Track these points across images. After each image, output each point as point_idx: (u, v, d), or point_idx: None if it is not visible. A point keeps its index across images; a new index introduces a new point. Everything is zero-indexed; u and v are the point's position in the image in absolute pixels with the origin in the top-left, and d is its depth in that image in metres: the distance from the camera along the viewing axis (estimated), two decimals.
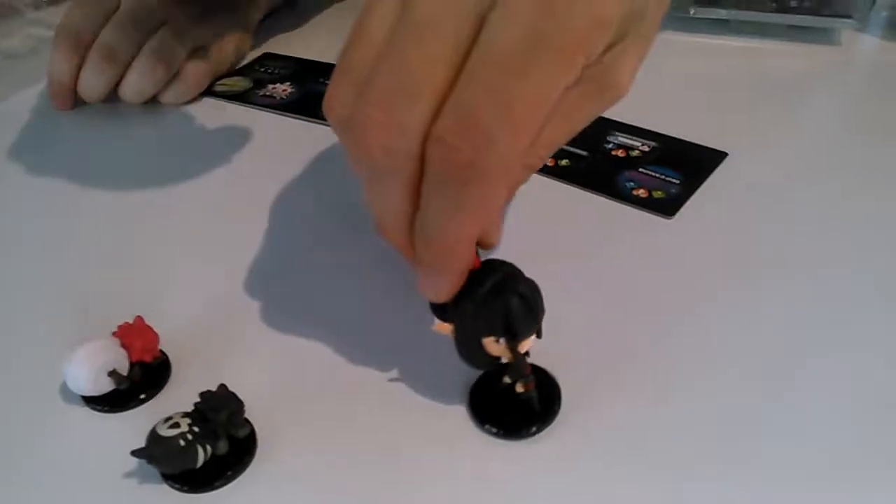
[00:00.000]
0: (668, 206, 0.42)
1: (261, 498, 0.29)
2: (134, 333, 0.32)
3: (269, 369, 0.34)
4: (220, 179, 0.46)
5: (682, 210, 0.42)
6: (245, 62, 0.60)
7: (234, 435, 0.30)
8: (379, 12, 0.25)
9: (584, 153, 0.47)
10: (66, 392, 0.32)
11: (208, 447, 0.28)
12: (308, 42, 0.63)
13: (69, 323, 0.36)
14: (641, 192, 0.43)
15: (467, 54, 0.23)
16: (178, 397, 0.32)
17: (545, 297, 0.29)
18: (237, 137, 0.50)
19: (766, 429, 0.30)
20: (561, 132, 0.29)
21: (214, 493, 0.29)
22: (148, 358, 0.32)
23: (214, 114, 0.53)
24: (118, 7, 0.52)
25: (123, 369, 0.32)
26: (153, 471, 0.29)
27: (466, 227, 0.25)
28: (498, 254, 0.32)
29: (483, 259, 0.29)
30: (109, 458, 0.30)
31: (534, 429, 0.30)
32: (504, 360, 0.29)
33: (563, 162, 0.46)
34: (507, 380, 0.30)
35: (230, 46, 0.57)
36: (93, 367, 0.31)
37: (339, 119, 0.26)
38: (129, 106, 0.53)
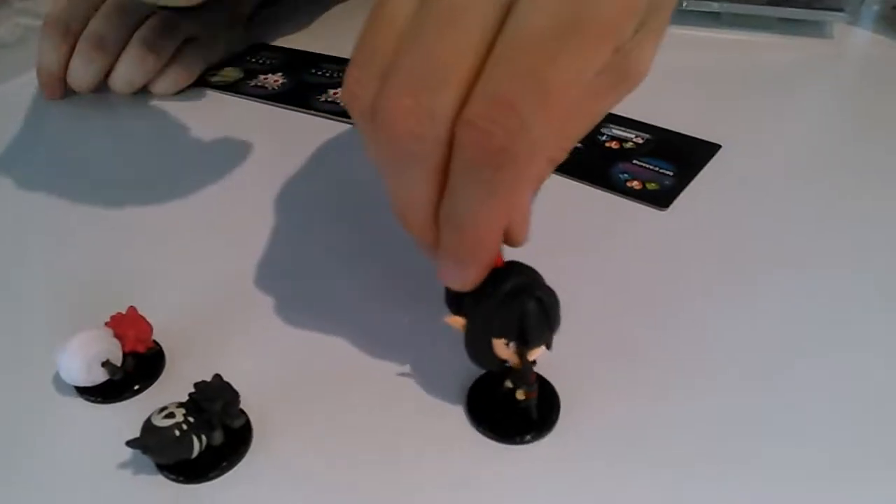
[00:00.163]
0: (662, 198, 0.42)
1: (256, 488, 0.29)
2: (127, 323, 0.32)
3: (263, 360, 0.34)
4: (211, 170, 0.46)
5: (676, 202, 0.42)
6: (236, 52, 0.59)
7: (229, 425, 0.29)
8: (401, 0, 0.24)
9: (578, 145, 0.47)
10: (59, 383, 0.32)
11: (203, 437, 0.28)
12: (300, 33, 0.62)
13: (62, 313, 0.36)
14: (635, 184, 0.43)
15: (494, 40, 0.23)
16: (172, 388, 0.32)
17: None
18: (228, 128, 0.50)
19: (765, 428, 0.30)
20: (582, 123, 0.29)
21: (209, 483, 0.29)
22: (141, 348, 0.32)
23: (205, 104, 0.53)
24: None
25: (117, 360, 0.31)
26: (148, 461, 0.29)
27: (497, 214, 0.25)
28: None
29: (507, 260, 0.28)
30: (103, 448, 0.30)
31: (529, 437, 0.30)
32: (510, 365, 0.29)
33: None
34: (508, 384, 0.30)
35: (221, 37, 0.57)
36: (86, 358, 0.30)
37: (361, 106, 0.25)
38: (120, 96, 0.53)
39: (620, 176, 0.44)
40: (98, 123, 0.51)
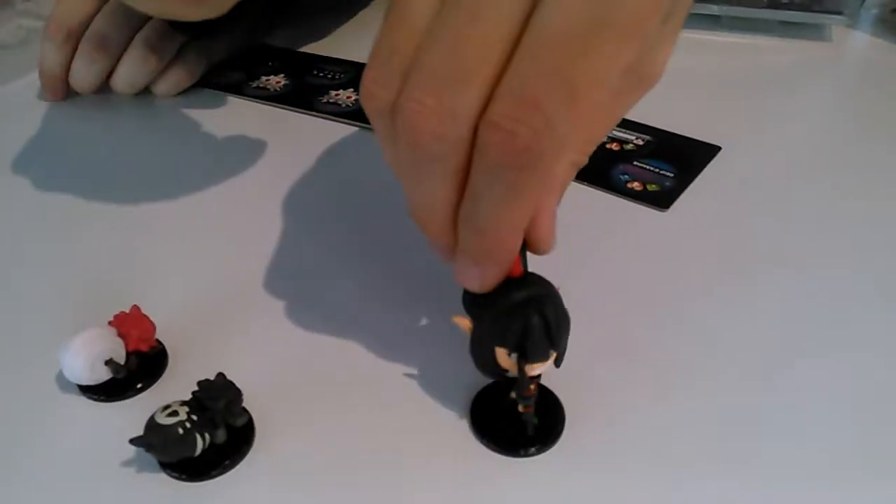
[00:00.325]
0: (662, 199, 0.43)
1: (258, 487, 0.29)
2: (130, 322, 0.32)
3: (266, 359, 0.34)
4: (213, 170, 0.46)
5: (677, 203, 0.42)
6: (238, 53, 0.59)
7: (232, 424, 0.30)
8: None
9: None
10: (62, 381, 0.32)
11: (207, 436, 0.28)
12: (302, 34, 0.62)
13: (65, 312, 0.36)
14: (636, 185, 0.44)
15: (518, 38, 0.22)
16: (175, 387, 0.32)
17: None
18: (230, 129, 0.50)
19: (767, 429, 0.30)
20: (604, 126, 0.28)
21: (212, 481, 0.29)
22: (144, 347, 0.32)
23: (207, 105, 0.53)
24: None
25: (120, 358, 0.31)
26: (151, 459, 0.29)
27: (519, 216, 0.25)
28: None
29: (529, 271, 0.28)
30: (106, 447, 0.30)
31: (533, 449, 0.30)
32: (511, 375, 0.29)
33: None
34: (513, 395, 0.30)
35: (223, 38, 0.57)
36: (89, 356, 0.30)
37: (380, 105, 0.24)
38: (122, 97, 0.53)
39: (621, 177, 0.44)
40: (100, 124, 0.51)
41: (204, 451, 0.28)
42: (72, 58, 0.51)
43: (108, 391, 0.32)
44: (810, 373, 0.33)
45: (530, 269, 0.28)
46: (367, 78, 0.25)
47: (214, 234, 0.41)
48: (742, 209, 0.42)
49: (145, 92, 0.53)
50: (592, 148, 0.29)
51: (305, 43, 0.60)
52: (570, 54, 0.22)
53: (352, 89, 0.53)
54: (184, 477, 0.29)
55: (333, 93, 0.53)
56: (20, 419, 0.31)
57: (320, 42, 0.60)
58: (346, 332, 0.35)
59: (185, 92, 0.54)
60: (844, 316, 0.35)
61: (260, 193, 0.44)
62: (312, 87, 0.54)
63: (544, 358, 0.28)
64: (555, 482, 0.29)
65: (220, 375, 0.30)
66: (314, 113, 0.51)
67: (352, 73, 0.55)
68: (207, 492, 0.29)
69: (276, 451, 0.30)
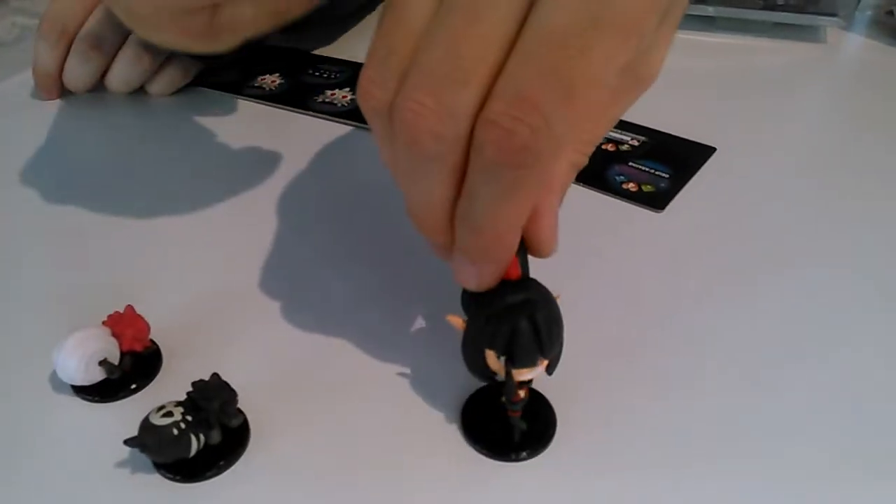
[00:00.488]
0: (658, 200, 0.43)
1: (253, 488, 0.29)
2: (125, 322, 0.32)
3: (261, 361, 0.34)
4: (208, 170, 0.46)
5: (672, 203, 0.42)
6: (233, 52, 0.59)
7: (227, 424, 0.29)
8: None
9: None
10: (56, 381, 0.32)
11: (201, 436, 0.28)
12: (303, 37, 0.62)
13: (59, 312, 0.36)
14: (631, 186, 0.44)
15: (516, 37, 0.22)
16: (169, 388, 0.32)
17: None
18: (225, 128, 0.50)
19: (762, 429, 0.31)
20: (602, 126, 0.28)
21: (207, 482, 0.29)
22: (139, 347, 0.32)
23: (202, 104, 0.53)
24: None
25: (114, 359, 0.31)
26: (145, 460, 0.29)
27: (516, 215, 0.25)
28: None
29: (527, 275, 0.28)
30: (100, 447, 0.30)
31: (524, 454, 0.30)
32: (499, 379, 0.29)
33: None
34: (503, 399, 0.30)
35: None
36: (83, 357, 0.30)
37: (377, 106, 0.24)
38: (116, 96, 0.53)
39: (616, 178, 0.44)
40: (95, 123, 0.51)
41: (198, 451, 0.28)
42: (66, 56, 0.51)
43: (102, 392, 0.32)
44: (807, 373, 0.33)
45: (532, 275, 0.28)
46: (364, 78, 0.25)
47: (209, 234, 0.41)
48: (737, 210, 0.42)
49: (140, 91, 0.53)
50: (591, 148, 0.29)
51: (301, 42, 0.60)
52: (568, 53, 0.22)
53: (348, 89, 0.53)
54: (178, 478, 0.29)
55: (329, 92, 0.53)
56: (13, 420, 0.31)
57: (316, 41, 0.60)
58: (340, 333, 0.35)
59: (179, 91, 0.54)
60: (841, 315, 0.35)
61: (255, 193, 0.44)
62: (308, 86, 0.54)
63: (532, 364, 0.27)
64: (545, 486, 0.29)
65: (215, 376, 0.30)
66: (310, 112, 0.51)
67: (348, 73, 0.55)
68: (202, 493, 0.28)
69: (270, 453, 0.30)
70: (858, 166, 0.46)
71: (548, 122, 0.22)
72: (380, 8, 0.25)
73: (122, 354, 0.32)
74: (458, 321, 0.29)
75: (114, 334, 0.32)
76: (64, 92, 0.53)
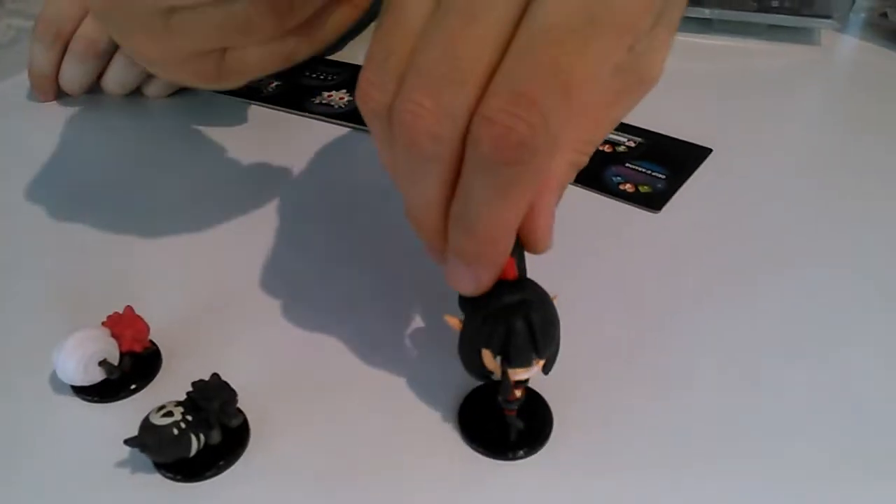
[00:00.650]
0: (654, 201, 0.43)
1: (253, 488, 0.29)
2: (124, 323, 0.32)
3: (260, 361, 0.34)
4: (205, 171, 0.46)
5: (669, 204, 0.43)
6: None
7: (227, 424, 0.29)
8: (416, 1, 0.24)
9: None
10: (55, 382, 0.32)
11: (201, 436, 0.28)
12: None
13: (58, 313, 0.36)
14: (628, 187, 0.44)
15: (512, 35, 0.22)
16: (169, 388, 0.32)
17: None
18: (222, 130, 0.50)
19: (764, 429, 0.31)
20: (602, 128, 0.28)
21: (207, 482, 0.29)
22: (138, 348, 0.32)
23: (199, 106, 0.53)
24: None
25: (114, 359, 0.31)
26: (145, 460, 0.29)
27: (511, 214, 0.25)
28: None
29: (524, 275, 0.28)
30: (100, 447, 0.30)
31: (521, 452, 0.30)
32: (496, 378, 0.29)
33: None
34: (500, 398, 0.30)
35: None
36: (83, 357, 0.30)
37: (376, 107, 0.24)
38: (113, 98, 0.53)
39: (613, 179, 0.45)
40: (91, 125, 0.51)
41: (198, 451, 0.28)
42: (61, 58, 0.51)
43: (102, 392, 0.32)
44: (806, 373, 0.33)
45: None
46: (362, 80, 0.25)
47: (207, 234, 0.41)
48: (734, 210, 0.42)
49: (136, 93, 0.53)
50: (592, 149, 0.29)
51: None
52: (565, 49, 0.22)
53: (345, 90, 0.53)
54: (178, 478, 0.29)
55: (326, 94, 0.53)
56: (13, 420, 0.31)
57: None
58: (339, 333, 0.35)
59: (176, 93, 0.54)
60: (838, 315, 0.36)
61: (253, 194, 0.44)
62: (305, 88, 0.54)
63: (527, 364, 0.28)
64: (542, 485, 0.29)
65: (215, 376, 0.30)
66: (307, 114, 0.51)
67: (344, 75, 0.55)
68: (202, 492, 0.28)
69: (270, 452, 0.30)
70: (854, 166, 0.46)
71: (545, 119, 0.22)
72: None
73: (122, 355, 0.32)
74: (454, 321, 0.29)
75: (113, 335, 0.32)
76: (60, 94, 0.53)
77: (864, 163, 0.46)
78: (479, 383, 0.31)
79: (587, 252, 0.39)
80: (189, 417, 0.28)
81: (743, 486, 0.29)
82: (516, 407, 0.30)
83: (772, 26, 0.60)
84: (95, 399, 0.32)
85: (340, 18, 0.34)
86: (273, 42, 0.33)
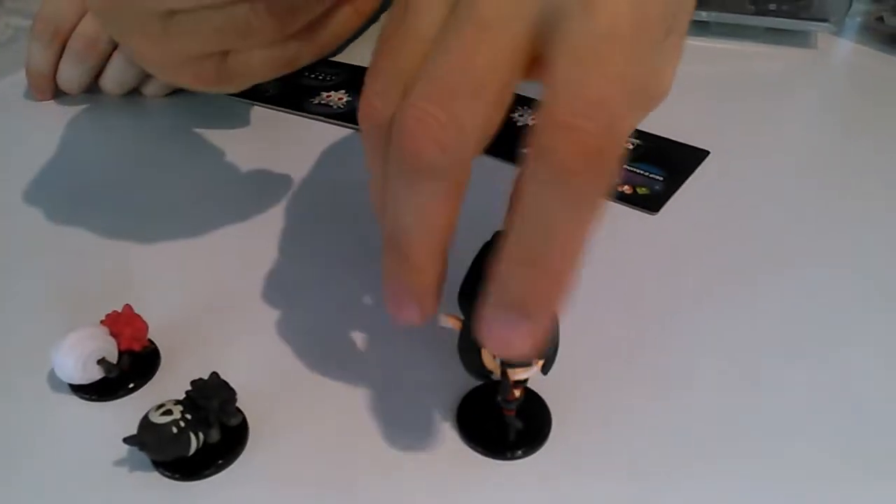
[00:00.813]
0: (652, 203, 0.43)
1: (251, 487, 0.29)
2: (123, 322, 0.32)
3: (259, 360, 0.34)
4: (204, 170, 0.46)
5: (667, 206, 0.43)
6: None
7: (226, 423, 0.29)
8: (427, 11, 0.23)
9: None
10: (54, 380, 0.32)
11: (201, 435, 0.28)
12: None
13: (57, 311, 0.36)
14: (626, 189, 0.44)
15: (528, 54, 0.22)
16: (168, 387, 0.32)
17: None
18: (221, 130, 0.50)
19: (764, 429, 0.31)
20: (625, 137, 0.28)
21: (205, 481, 0.29)
22: (137, 347, 0.32)
23: (197, 106, 0.53)
24: None
25: (112, 358, 0.31)
26: (143, 459, 0.29)
27: (587, 235, 0.22)
28: None
29: None
30: (98, 446, 0.30)
31: (519, 453, 0.30)
32: (495, 377, 0.29)
33: None
34: (499, 398, 0.30)
35: None
36: (81, 356, 0.30)
37: (379, 117, 0.24)
38: (111, 97, 0.53)
39: None
40: (89, 124, 0.51)
41: (197, 450, 0.28)
42: (59, 57, 0.51)
43: (100, 391, 0.32)
44: (804, 373, 0.33)
45: None
46: (367, 90, 0.24)
47: (206, 233, 0.41)
48: (731, 212, 0.42)
49: (134, 92, 0.53)
50: None
51: None
52: (623, 54, 0.21)
53: (343, 91, 0.53)
54: (177, 476, 0.29)
55: (325, 94, 0.53)
56: (11, 419, 0.31)
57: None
58: (337, 333, 0.35)
59: (174, 93, 0.54)
60: (836, 316, 0.36)
61: (251, 193, 0.44)
62: (304, 88, 0.54)
63: (527, 363, 0.28)
64: (540, 485, 0.29)
65: (214, 375, 0.30)
66: (305, 114, 0.51)
67: (343, 76, 0.55)
68: (201, 491, 0.28)
69: (269, 452, 0.30)
70: (850, 168, 0.46)
71: (618, 119, 0.21)
72: (382, 18, 0.25)
73: (121, 353, 0.32)
74: (454, 321, 0.29)
75: (112, 333, 0.32)
76: (58, 93, 0.53)
77: (861, 165, 0.47)
78: (478, 383, 0.32)
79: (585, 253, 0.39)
80: (188, 416, 0.28)
81: (743, 486, 0.29)
82: (515, 407, 0.30)
83: (769, 29, 0.60)
84: (94, 397, 0.32)
85: (343, 24, 0.34)
86: (274, 46, 0.33)
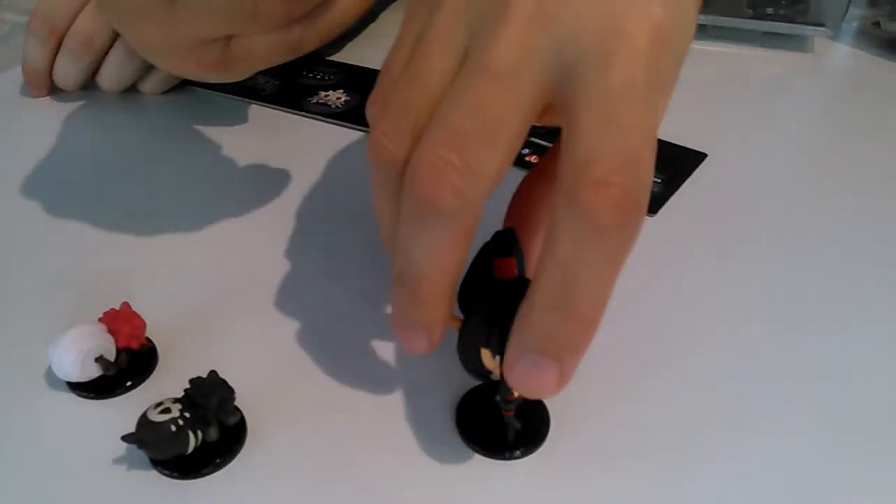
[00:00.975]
0: (650, 205, 0.43)
1: (250, 485, 0.29)
2: (121, 319, 0.32)
3: (258, 358, 0.34)
4: (201, 168, 0.46)
5: (664, 208, 0.43)
6: None
7: (225, 422, 0.29)
8: (438, 56, 0.23)
9: None
10: (51, 378, 0.32)
11: (199, 433, 0.28)
12: None
13: (55, 309, 0.36)
14: None
15: (543, 104, 0.23)
16: (166, 385, 0.32)
17: None
18: (218, 128, 0.50)
19: (764, 428, 0.31)
20: None
21: (204, 479, 0.29)
22: (135, 344, 0.32)
23: (194, 103, 0.53)
24: None
25: (110, 355, 0.31)
26: (141, 457, 0.29)
27: (613, 283, 0.23)
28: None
29: (523, 275, 0.28)
30: (95, 444, 0.30)
31: (518, 453, 0.30)
32: (495, 378, 0.29)
33: None
34: (498, 398, 0.30)
35: None
36: (79, 353, 0.30)
37: (392, 158, 0.24)
38: (108, 94, 0.52)
39: None
40: (86, 121, 0.51)
41: (196, 448, 0.28)
42: (55, 54, 0.51)
43: (98, 388, 0.31)
44: (805, 376, 0.33)
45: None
46: (376, 131, 0.24)
47: (204, 231, 0.41)
48: (728, 215, 0.43)
49: (132, 89, 0.53)
50: None
51: None
52: (644, 105, 0.22)
53: (342, 90, 0.53)
54: (175, 475, 0.29)
55: (323, 93, 0.53)
56: (8, 416, 0.31)
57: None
58: (337, 332, 0.35)
59: (171, 90, 0.54)
60: (836, 318, 0.36)
61: (249, 192, 0.44)
62: (302, 87, 0.54)
63: None
64: (539, 485, 0.29)
65: (213, 373, 0.29)
66: (303, 113, 0.51)
67: (341, 75, 0.55)
68: (199, 490, 0.28)
69: (267, 450, 0.30)
70: (847, 171, 0.46)
71: (647, 174, 0.22)
72: (381, 16, 0.25)
73: (119, 351, 0.32)
74: (454, 320, 0.29)
75: (110, 331, 0.32)
76: (54, 89, 0.53)
77: (857, 168, 0.47)
78: (477, 383, 0.32)
79: None
80: (187, 414, 0.28)
81: (743, 486, 0.29)
82: (514, 407, 0.30)
83: (766, 33, 0.61)
84: (92, 395, 0.31)
85: (348, 10, 0.34)
86: (279, 31, 0.33)
